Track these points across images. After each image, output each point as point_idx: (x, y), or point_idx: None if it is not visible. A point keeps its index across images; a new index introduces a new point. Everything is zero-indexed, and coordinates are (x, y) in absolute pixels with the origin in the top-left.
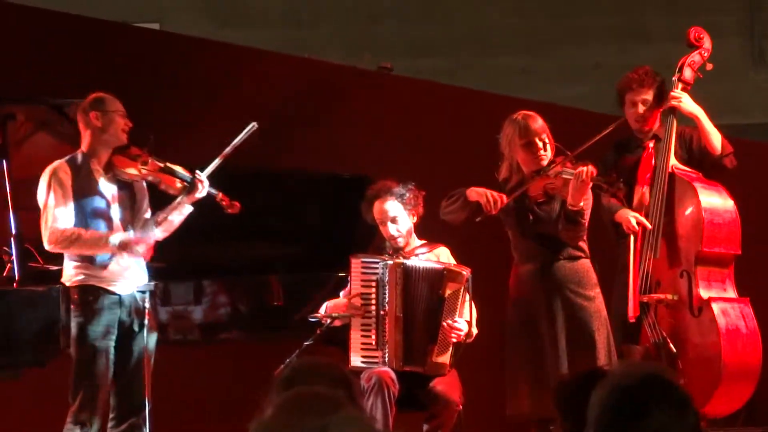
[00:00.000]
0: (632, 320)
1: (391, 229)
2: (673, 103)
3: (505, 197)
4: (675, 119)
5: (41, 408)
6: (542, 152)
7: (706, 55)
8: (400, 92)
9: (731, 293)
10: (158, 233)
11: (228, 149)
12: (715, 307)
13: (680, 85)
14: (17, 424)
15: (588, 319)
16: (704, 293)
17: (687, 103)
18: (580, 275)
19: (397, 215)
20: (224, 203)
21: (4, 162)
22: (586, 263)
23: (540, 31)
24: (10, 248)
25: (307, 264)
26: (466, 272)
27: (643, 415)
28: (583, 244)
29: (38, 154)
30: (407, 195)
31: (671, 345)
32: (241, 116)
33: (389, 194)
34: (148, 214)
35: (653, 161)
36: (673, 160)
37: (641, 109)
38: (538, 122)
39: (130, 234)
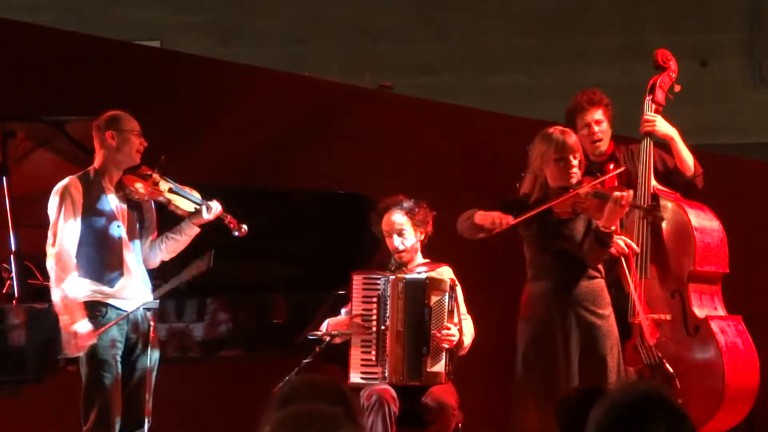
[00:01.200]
0: (653, 344)
1: (396, 241)
2: (647, 126)
3: (510, 218)
4: (651, 141)
5: (42, 425)
6: (574, 170)
7: (673, 76)
8: (401, 111)
9: (721, 311)
10: (164, 254)
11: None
12: (714, 325)
13: (653, 107)
14: None
15: (602, 338)
16: (699, 312)
17: (661, 125)
18: (595, 294)
19: (404, 229)
20: (232, 226)
21: (4, 179)
22: (601, 283)
23: (540, 50)
24: (10, 265)
25: (308, 282)
26: (448, 279)
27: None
28: (599, 265)
29: (38, 171)
30: (417, 210)
31: (668, 365)
32: (240, 134)
33: (399, 207)
34: (154, 236)
35: (616, 183)
36: (653, 182)
37: (595, 128)
38: (573, 138)
39: (84, 330)
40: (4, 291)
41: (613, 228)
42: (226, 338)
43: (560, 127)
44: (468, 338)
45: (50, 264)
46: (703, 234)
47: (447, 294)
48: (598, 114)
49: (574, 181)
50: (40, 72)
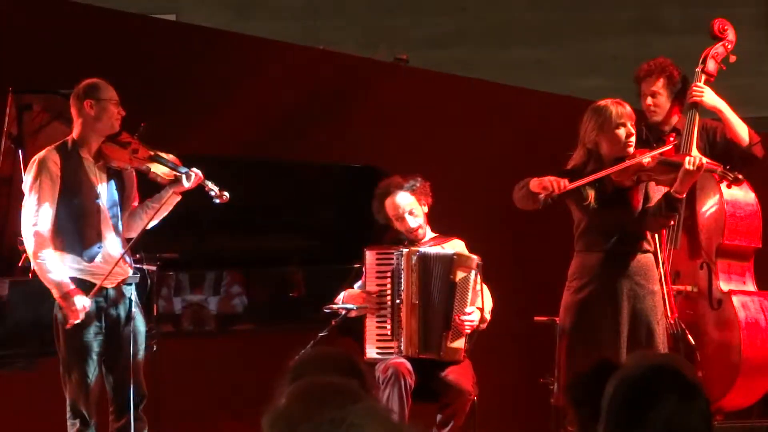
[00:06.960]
0: (672, 320)
1: (411, 221)
2: (696, 96)
3: (567, 182)
4: (697, 112)
5: (56, 398)
6: (632, 138)
7: (729, 47)
8: (416, 84)
9: (750, 286)
10: (145, 223)
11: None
12: (736, 300)
13: (703, 77)
14: (32, 414)
15: (651, 313)
16: (724, 286)
17: (709, 96)
18: (647, 269)
19: (413, 207)
20: (213, 194)
21: (20, 151)
22: (652, 257)
23: (556, 23)
24: None
25: (323, 255)
26: (476, 257)
27: (652, 405)
28: (651, 239)
29: (54, 143)
30: (417, 185)
31: (690, 337)
32: (256, 107)
33: (399, 188)
34: (134, 205)
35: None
36: (695, 152)
37: (650, 100)
38: (628, 108)
39: (83, 299)
40: (20, 264)
41: (684, 195)
42: (241, 311)
43: (612, 99)
44: (488, 312)
45: (27, 240)
46: (735, 207)
47: (473, 272)
48: (656, 86)
49: (631, 150)
50: (56, 45)
